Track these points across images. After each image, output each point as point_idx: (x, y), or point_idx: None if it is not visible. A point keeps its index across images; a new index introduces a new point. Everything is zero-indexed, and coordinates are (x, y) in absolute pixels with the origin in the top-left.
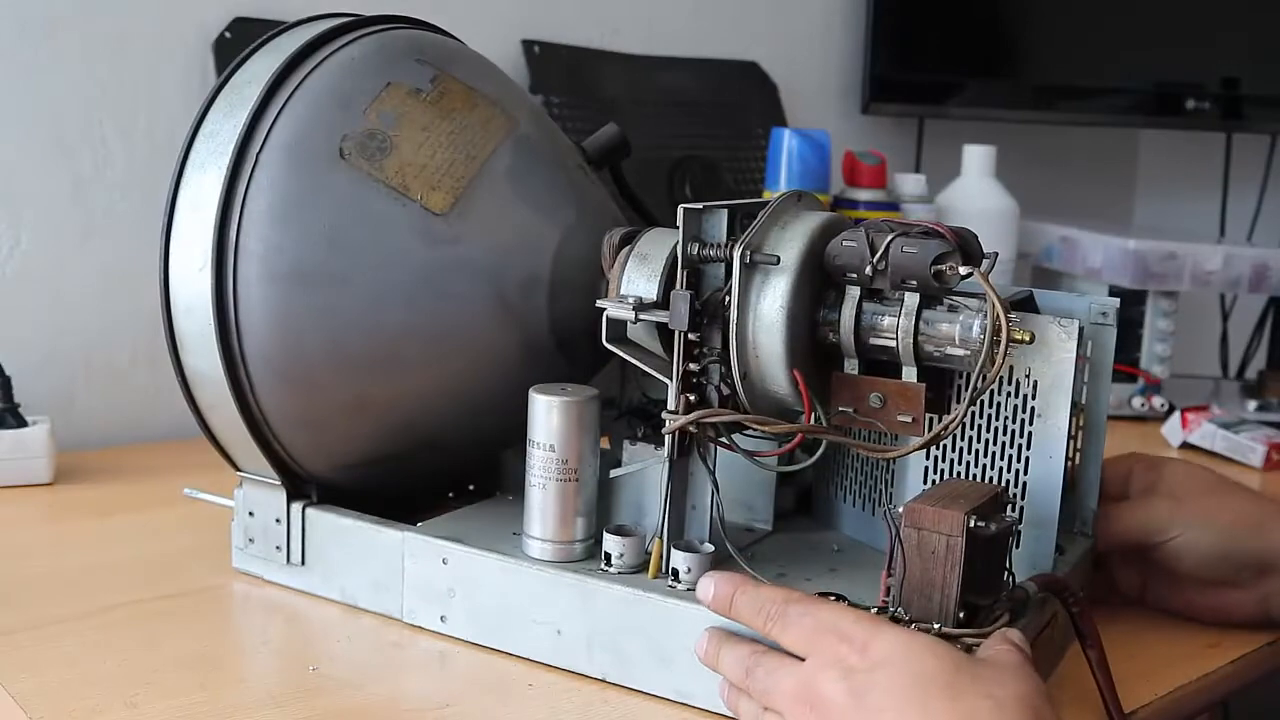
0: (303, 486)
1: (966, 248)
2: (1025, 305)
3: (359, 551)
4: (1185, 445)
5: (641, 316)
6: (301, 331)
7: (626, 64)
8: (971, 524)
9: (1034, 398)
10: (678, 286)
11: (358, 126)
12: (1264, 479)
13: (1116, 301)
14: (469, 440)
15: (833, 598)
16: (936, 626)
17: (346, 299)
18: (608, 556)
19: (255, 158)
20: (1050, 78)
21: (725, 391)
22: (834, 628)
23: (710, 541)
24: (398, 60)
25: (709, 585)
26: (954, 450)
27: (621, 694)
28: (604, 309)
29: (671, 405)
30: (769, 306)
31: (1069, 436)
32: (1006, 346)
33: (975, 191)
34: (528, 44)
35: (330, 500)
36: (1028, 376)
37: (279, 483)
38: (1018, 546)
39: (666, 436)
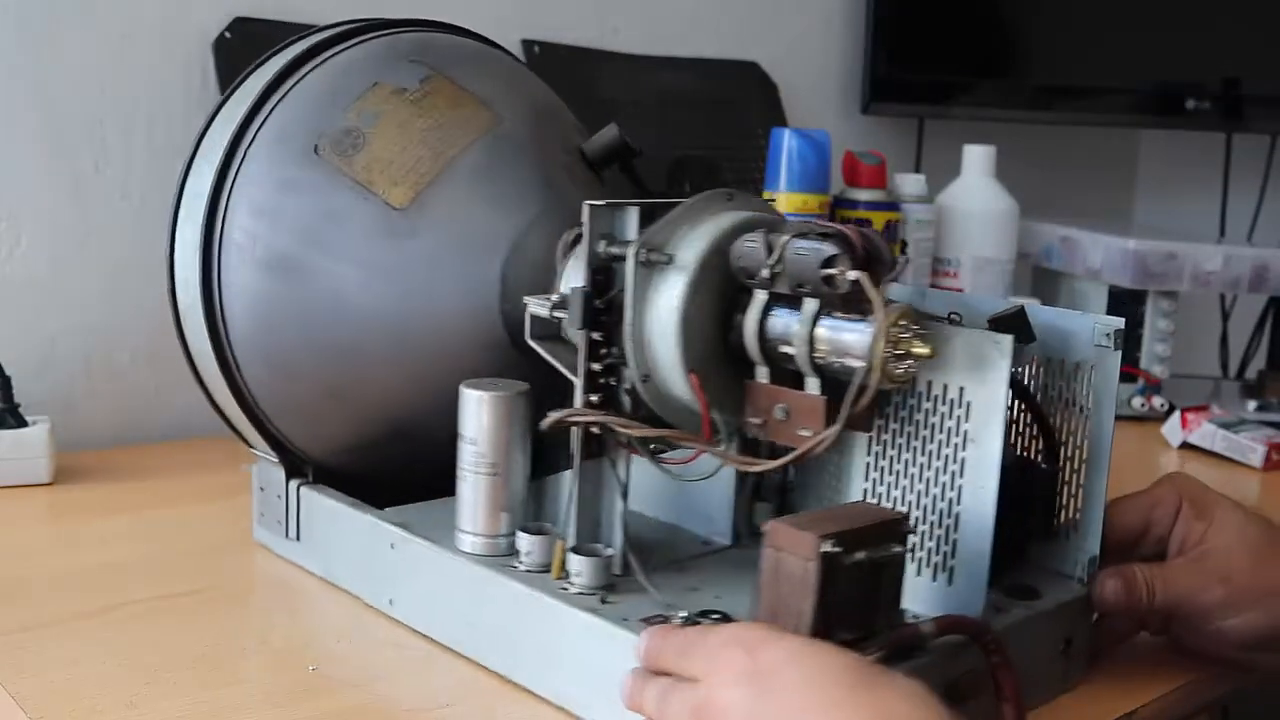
0: (301, 466)
1: (872, 251)
2: (1016, 321)
3: (337, 531)
4: (1185, 445)
5: (555, 313)
6: (277, 319)
7: (626, 64)
8: (826, 549)
9: (967, 420)
10: (583, 284)
11: (338, 124)
12: (1264, 479)
13: (1120, 322)
14: (449, 433)
15: (715, 616)
16: None
17: (314, 288)
18: (517, 554)
19: (244, 152)
20: (1050, 78)
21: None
22: (729, 639)
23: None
24: (394, 61)
25: (641, 643)
26: (890, 474)
27: None
28: (527, 305)
29: (576, 406)
30: (663, 307)
31: (1003, 465)
32: (883, 361)
33: (975, 191)
34: (528, 44)
35: (341, 482)
36: (961, 397)
37: (278, 461)
38: (949, 582)
39: (574, 438)
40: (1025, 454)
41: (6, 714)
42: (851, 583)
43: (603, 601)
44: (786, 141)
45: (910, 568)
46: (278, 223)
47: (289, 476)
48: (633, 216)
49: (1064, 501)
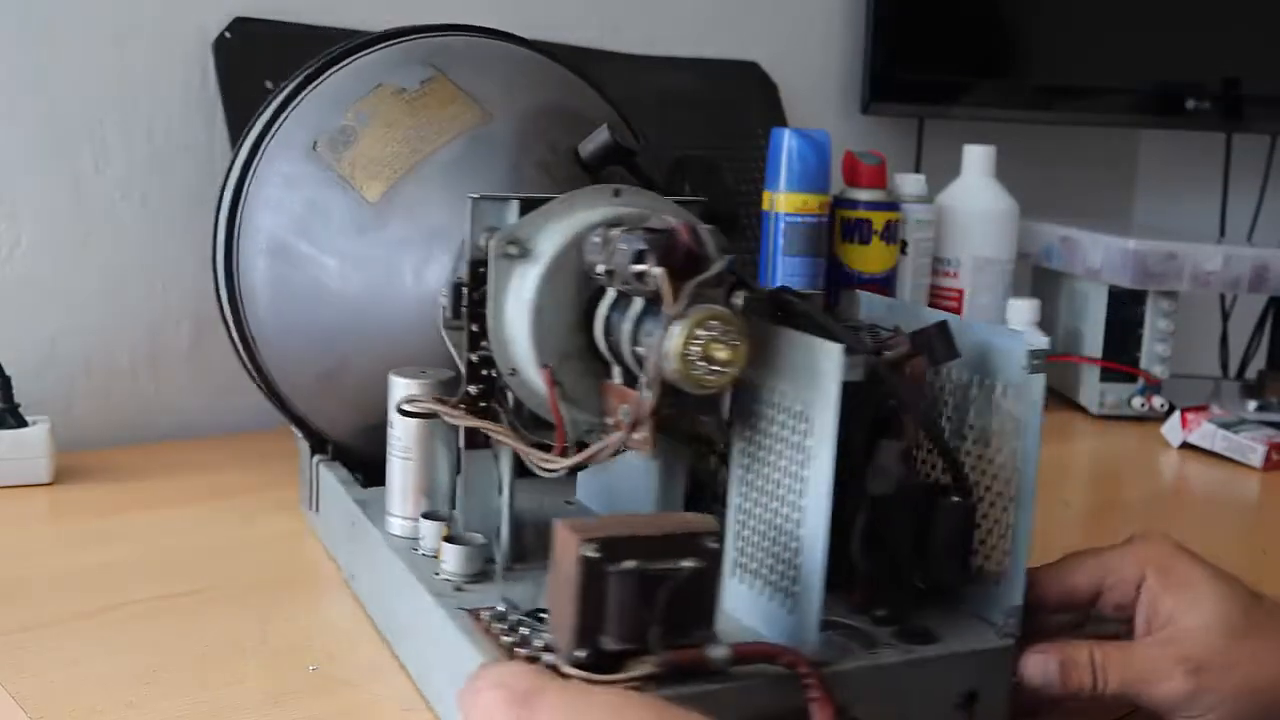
0: (324, 443)
1: (698, 250)
2: (938, 336)
3: (332, 506)
4: (1185, 445)
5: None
6: (279, 304)
7: (627, 64)
8: (587, 553)
9: (809, 437)
10: (461, 277)
11: (337, 123)
12: (1264, 479)
13: (1046, 342)
14: None
15: (544, 614)
16: (551, 659)
17: (303, 276)
18: (419, 539)
19: (264, 151)
20: (1050, 78)
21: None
22: (499, 682)
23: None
24: (406, 64)
25: None
26: (755, 489)
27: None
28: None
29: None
30: (518, 300)
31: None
32: (659, 365)
33: (975, 191)
34: None
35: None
36: (805, 411)
37: (303, 437)
38: (792, 609)
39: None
40: (938, 483)
41: (6, 714)
42: (623, 592)
43: (456, 589)
44: (786, 141)
45: (765, 590)
46: (279, 215)
47: (312, 452)
48: (513, 210)
49: (994, 541)
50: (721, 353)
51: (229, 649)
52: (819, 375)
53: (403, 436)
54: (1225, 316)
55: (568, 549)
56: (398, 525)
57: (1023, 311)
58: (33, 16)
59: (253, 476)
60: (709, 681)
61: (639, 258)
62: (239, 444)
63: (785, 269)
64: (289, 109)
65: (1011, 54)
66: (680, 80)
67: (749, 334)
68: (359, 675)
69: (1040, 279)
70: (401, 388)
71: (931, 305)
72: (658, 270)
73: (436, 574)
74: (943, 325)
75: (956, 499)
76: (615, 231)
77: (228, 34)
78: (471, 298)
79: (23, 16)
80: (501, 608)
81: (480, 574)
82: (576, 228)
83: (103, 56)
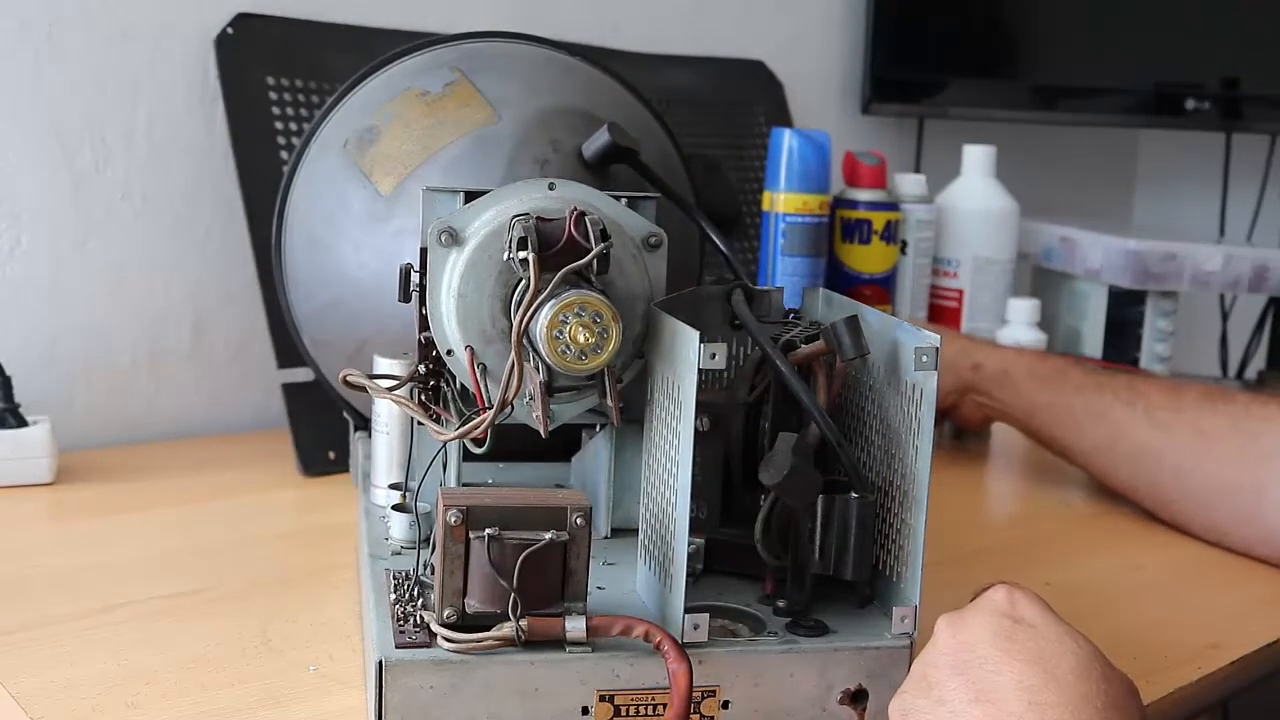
0: (365, 421)
1: (575, 240)
2: (846, 329)
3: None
4: None
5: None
6: (312, 288)
7: (628, 62)
8: (448, 518)
9: (680, 421)
10: (412, 262)
11: (366, 123)
12: None
13: (937, 339)
14: None
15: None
16: (424, 616)
17: (331, 263)
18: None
19: (309, 148)
20: (1050, 78)
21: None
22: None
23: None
24: (434, 69)
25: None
26: (653, 470)
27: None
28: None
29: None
30: (446, 284)
31: (695, 470)
32: (520, 340)
33: (975, 191)
34: None
35: None
36: (677, 394)
37: (347, 415)
38: (670, 588)
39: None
40: (843, 479)
41: (6, 714)
42: (482, 557)
43: (395, 553)
44: (787, 141)
45: (657, 570)
46: (314, 206)
47: (355, 428)
48: (460, 201)
49: (898, 540)
50: (582, 335)
51: (229, 649)
52: (682, 362)
53: (383, 414)
54: (1225, 316)
55: (439, 513)
56: (381, 496)
57: (1023, 311)
58: (33, 15)
59: (253, 476)
60: (569, 650)
61: (521, 245)
62: (239, 444)
63: (785, 269)
64: (333, 113)
65: (1011, 54)
66: (683, 79)
67: (621, 320)
68: (359, 675)
69: (1040, 279)
70: (382, 366)
71: (932, 305)
72: (527, 256)
73: (386, 539)
74: (852, 320)
75: (854, 495)
76: (525, 221)
77: (230, 30)
78: (421, 283)
79: (23, 16)
80: (418, 570)
81: (427, 541)
82: (501, 218)
83: (103, 55)
